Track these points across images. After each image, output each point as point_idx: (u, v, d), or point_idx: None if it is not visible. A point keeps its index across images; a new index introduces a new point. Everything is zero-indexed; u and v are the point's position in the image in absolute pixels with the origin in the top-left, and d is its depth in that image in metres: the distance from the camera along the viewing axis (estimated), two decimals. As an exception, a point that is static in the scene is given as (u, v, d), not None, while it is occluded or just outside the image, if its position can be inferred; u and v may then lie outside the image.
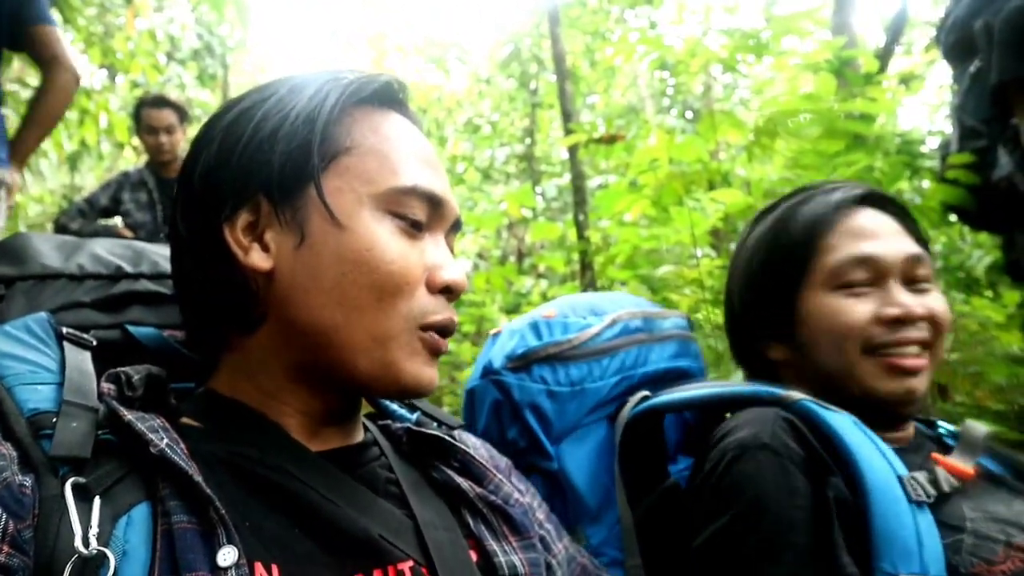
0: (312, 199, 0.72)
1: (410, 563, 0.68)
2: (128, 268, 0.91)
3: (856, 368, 1.03)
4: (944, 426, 1.13)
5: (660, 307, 1.31)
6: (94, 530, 0.58)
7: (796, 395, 0.99)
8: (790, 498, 0.89)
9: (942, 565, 0.83)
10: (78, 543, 0.57)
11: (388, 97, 0.80)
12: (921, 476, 0.91)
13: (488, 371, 1.15)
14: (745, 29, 3.14)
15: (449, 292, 0.76)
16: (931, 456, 1.01)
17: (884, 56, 3.62)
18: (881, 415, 1.02)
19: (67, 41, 2.39)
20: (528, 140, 9.46)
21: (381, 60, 12.06)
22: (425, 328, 0.74)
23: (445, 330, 0.76)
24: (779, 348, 1.12)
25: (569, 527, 1.08)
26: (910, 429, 1.08)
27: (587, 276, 4.95)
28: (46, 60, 2.30)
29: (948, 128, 2.29)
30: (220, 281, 0.74)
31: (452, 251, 0.81)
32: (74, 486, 0.60)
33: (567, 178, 6.01)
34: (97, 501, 0.60)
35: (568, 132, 5.01)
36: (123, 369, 0.72)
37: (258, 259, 0.73)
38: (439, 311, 0.75)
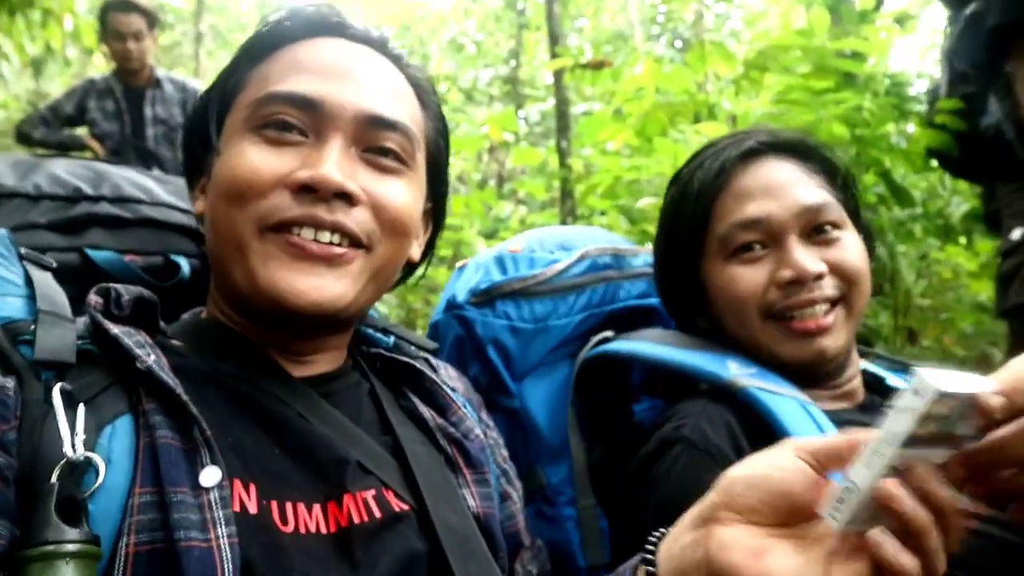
0: None
1: (373, 491, 0.69)
2: (88, 190, 0.90)
3: (760, 335, 0.99)
4: (897, 376, 1.10)
5: (632, 243, 1.28)
6: (80, 436, 0.59)
7: (741, 381, 0.94)
8: (698, 495, 0.86)
9: None
10: (67, 448, 0.57)
11: (310, 30, 0.79)
12: None
13: (451, 305, 1.13)
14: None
15: (312, 191, 0.70)
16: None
17: (881, -8, 3.52)
18: (806, 375, 0.99)
19: None
20: (513, 62, 9.23)
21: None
22: (275, 227, 0.70)
23: (300, 224, 0.70)
24: (702, 319, 1.08)
25: (528, 466, 1.07)
26: (855, 382, 1.04)
27: (567, 204, 4.91)
28: None
29: (938, 72, 2.24)
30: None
31: (385, 151, 0.76)
32: (62, 391, 0.60)
33: (551, 103, 5.89)
34: (82, 408, 0.61)
35: (555, 56, 4.88)
36: (114, 285, 0.72)
37: (199, 207, 0.81)
38: (291, 208, 0.70)
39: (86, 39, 5.22)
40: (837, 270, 0.98)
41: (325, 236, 0.70)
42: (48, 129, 3.58)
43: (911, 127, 2.73)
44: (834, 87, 2.47)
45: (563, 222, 4.82)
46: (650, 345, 1.06)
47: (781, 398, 0.92)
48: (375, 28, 0.83)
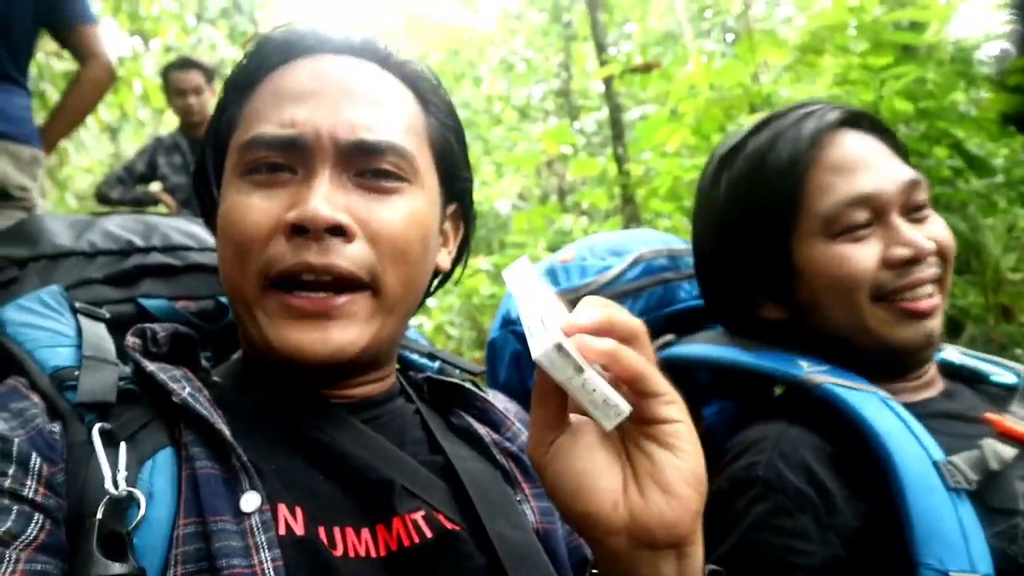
0: None
1: (423, 512, 0.68)
2: (139, 242, 0.94)
3: (868, 319, 0.92)
4: (1002, 369, 1.02)
5: (689, 243, 1.24)
6: (122, 473, 0.60)
7: (817, 378, 0.89)
8: (776, 542, 0.81)
9: (989, 561, 0.75)
10: (108, 485, 0.59)
11: (288, 52, 0.76)
12: (961, 459, 0.81)
13: (507, 322, 1.12)
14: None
15: (304, 232, 0.66)
16: (983, 416, 0.90)
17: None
18: (897, 367, 0.94)
19: (105, 36, 2.45)
20: (564, 75, 9.24)
21: (409, 3, 11.84)
22: (274, 281, 0.68)
23: (295, 279, 0.67)
24: (774, 307, 0.99)
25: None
26: (932, 370, 0.99)
27: (628, 211, 4.86)
28: (84, 56, 2.36)
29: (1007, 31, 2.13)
30: None
31: (375, 170, 0.71)
32: (101, 431, 0.62)
33: (606, 112, 5.86)
34: (123, 446, 0.62)
35: (602, 64, 4.86)
36: (149, 325, 0.74)
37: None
38: (286, 256, 0.67)
39: (154, 100, 5.49)
40: (939, 250, 0.93)
41: (324, 280, 0.68)
42: (124, 188, 3.76)
43: (983, 94, 2.59)
44: (893, 62, 2.37)
45: (626, 228, 4.78)
46: (717, 348, 1.01)
47: (861, 394, 0.87)
48: (356, 33, 0.78)
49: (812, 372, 0.91)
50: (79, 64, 2.38)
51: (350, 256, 0.67)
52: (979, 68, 2.57)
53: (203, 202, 0.82)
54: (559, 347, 0.49)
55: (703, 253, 1.06)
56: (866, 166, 0.93)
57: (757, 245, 0.97)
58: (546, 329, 0.51)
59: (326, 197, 0.67)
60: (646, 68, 4.09)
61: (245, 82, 0.76)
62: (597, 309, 0.53)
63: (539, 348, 0.50)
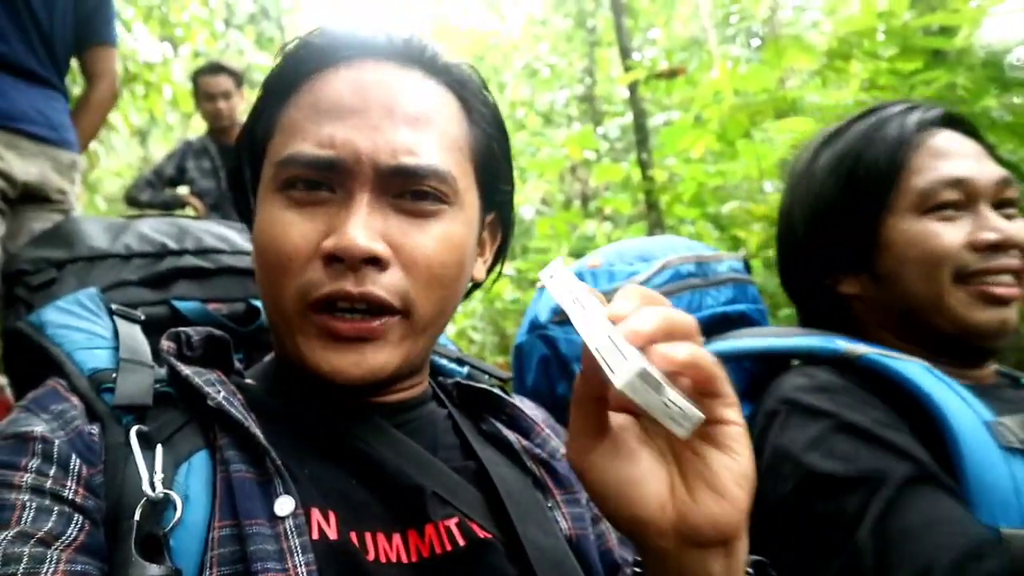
0: None
1: (456, 519, 0.68)
2: (172, 245, 0.96)
3: (947, 297, 0.95)
4: None
5: (717, 250, 1.24)
6: (159, 475, 0.61)
7: (859, 349, 0.91)
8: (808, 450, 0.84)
9: None
10: (145, 487, 0.60)
11: (326, 59, 0.73)
12: (1011, 420, 0.83)
13: (534, 326, 1.12)
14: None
15: (339, 260, 0.66)
16: None
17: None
18: (967, 351, 0.96)
19: (117, 59, 2.50)
20: (588, 80, 9.23)
21: (435, 9, 11.90)
22: (313, 305, 0.68)
23: (332, 304, 0.67)
24: (853, 281, 1.04)
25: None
26: (991, 370, 1.01)
27: (652, 216, 4.84)
28: (96, 74, 2.39)
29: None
30: None
31: (419, 195, 0.69)
32: (138, 433, 0.64)
33: (630, 117, 5.85)
34: (159, 448, 0.64)
35: (627, 69, 4.85)
36: (183, 329, 0.75)
37: None
38: (324, 283, 0.67)
39: (183, 105, 5.57)
40: (1022, 245, 0.97)
41: (359, 307, 0.68)
42: (153, 191, 3.80)
43: (1016, 99, 2.55)
44: (923, 67, 2.34)
45: (650, 235, 4.76)
46: (753, 339, 1.04)
47: (904, 362, 0.89)
48: (399, 34, 0.74)
49: (852, 346, 0.93)
50: (87, 80, 2.40)
51: (384, 285, 0.67)
52: (1011, 73, 2.53)
53: (239, 206, 0.83)
54: (643, 373, 0.47)
55: (791, 226, 1.11)
56: (964, 155, 0.99)
57: (850, 217, 1.02)
58: (623, 353, 0.48)
59: (364, 224, 0.66)
60: (671, 74, 4.08)
61: (283, 87, 0.74)
62: (653, 312, 0.51)
63: (622, 377, 0.47)
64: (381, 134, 0.68)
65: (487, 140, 0.77)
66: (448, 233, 0.71)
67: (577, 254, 5.36)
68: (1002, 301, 0.94)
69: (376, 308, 0.68)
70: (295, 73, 0.74)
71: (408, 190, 0.69)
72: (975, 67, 2.51)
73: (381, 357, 0.69)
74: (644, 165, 4.86)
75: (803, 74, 3.99)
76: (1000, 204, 0.99)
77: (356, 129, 0.68)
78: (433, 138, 0.71)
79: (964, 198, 0.98)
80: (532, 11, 10.68)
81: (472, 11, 11.83)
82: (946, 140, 1.01)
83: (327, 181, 0.69)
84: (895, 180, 1.00)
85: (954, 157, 0.99)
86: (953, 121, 1.04)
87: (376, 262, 0.67)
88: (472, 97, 0.77)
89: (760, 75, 3.07)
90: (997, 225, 0.96)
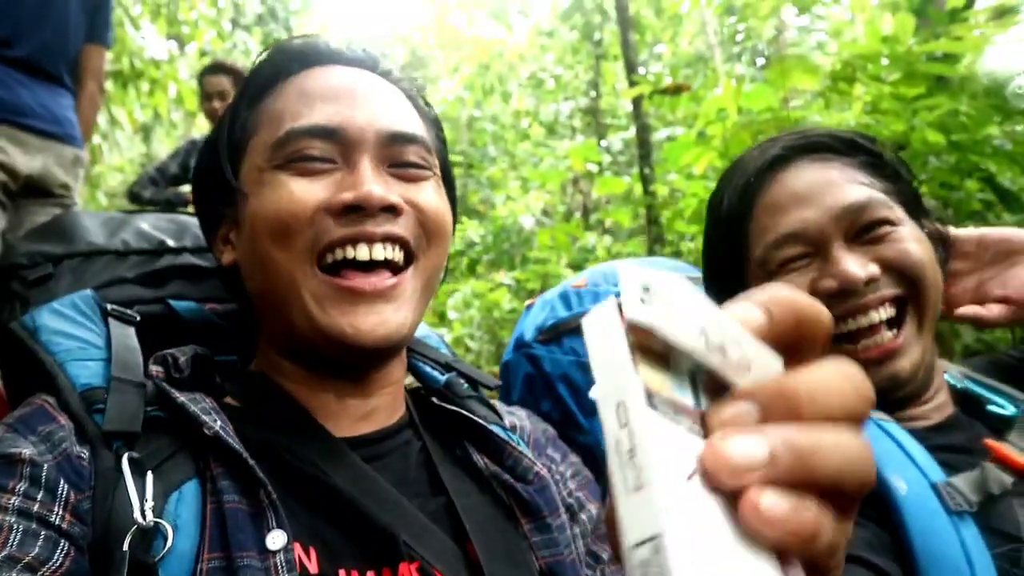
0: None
1: (417, 564, 0.67)
2: (171, 242, 0.94)
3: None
4: (1003, 399, 0.95)
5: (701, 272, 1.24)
6: (149, 503, 0.61)
7: None
8: None
9: None
10: (137, 515, 0.60)
11: (305, 61, 0.80)
12: (961, 480, 0.79)
13: (520, 344, 1.13)
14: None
15: (357, 210, 0.71)
16: (982, 441, 0.85)
17: (973, -11, 3.35)
18: (883, 403, 0.88)
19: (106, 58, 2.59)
20: (593, 93, 9.26)
21: (443, 16, 11.95)
22: (324, 253, 0.71)
23: (353, 242, 0.71)
24: None
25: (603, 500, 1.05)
26: (940, 397, 0.93)
27: (653, 231, 4.85)
28: (88, 71, 2.43)
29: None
30: (228, 279, 0.84)
31: (405, 162, 0.77)
32: (130, 460, 0.63)
33: (633, 131, 5.87)
34: (150, 476, 0.63)
35: (632, 84, 4.87)
36: (170, 352, 0.74)
37: (227, 257, 0.80)
38: (335, 230, 0.71)
39: (188, 103, 5.58)
40: (894, 266, 0.87)
41: (377, 251, 0.71)
42: (156, 188, 3.79)
43: (1019, 128, 2.56)
44: (926, 92, 2.35)
45: (650, 249, 4.77)
46: None
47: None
48: (362, 48, 0.84)
49: None
50: (78, 76, 2.42)
51: (402, 227, 0.73)
52: (1014, 102, 2.54)
53: (208, 208, 0.83)
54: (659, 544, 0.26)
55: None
56: (797, 200, 0.90)
57: (731, 285, 0.94)
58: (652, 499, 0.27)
59: (375, 181, 0.72)
60: (675, 89, 4.09)
61: (262, 87, 0.79)
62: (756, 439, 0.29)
63: (631, 537, 0.27)
64: (372, 109, 0.76)
65: (437, 141, 0.85)
66: (437, 194, 0.79)
67: (576, 266, 5.37)
68: (875, 361, 0.86)
69: (398, 249, 0.73)
70: (275, 73, 0.80)
71: (401, 159, 0.76)
72: (978, 95, 2.53)
73: (400, 315, 0.72)
74: (646, 179, 4.88)
75: (807, 95, 4.01)
76: (862, 230, 0.89)
77: (348, 106, 0.75)
78: (413, 119, 0.80)
79: (808, 247, 0.89)
80: (539, 22, 10.73)
81: (479, 20, 11.88)
82: (783, 186, 0.92)
83: (328, 154, 0.73)
84: (742, 254, 0.94)
85: (787, 208, 0.90)
86: (808, 148, 0.93)
87: (392, 210, 0.72)
88: (422, 106, 0.86)
89: (764, 94, 3.08)
90: (839, 269, 0.86)
